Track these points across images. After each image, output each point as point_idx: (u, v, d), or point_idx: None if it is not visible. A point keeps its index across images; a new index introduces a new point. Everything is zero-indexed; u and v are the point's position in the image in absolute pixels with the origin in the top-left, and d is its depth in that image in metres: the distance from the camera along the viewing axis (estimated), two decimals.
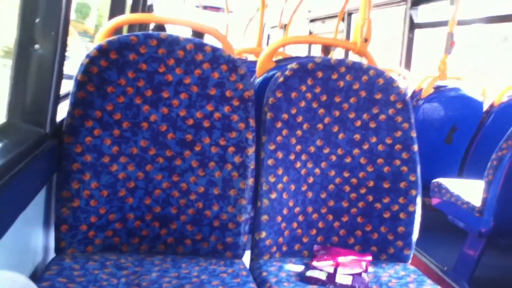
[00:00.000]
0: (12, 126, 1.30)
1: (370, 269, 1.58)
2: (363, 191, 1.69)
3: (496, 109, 3.25)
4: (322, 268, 1.50)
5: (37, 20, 1.29)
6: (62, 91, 1.45)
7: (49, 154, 1.36)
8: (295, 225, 1.64)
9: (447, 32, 3.40)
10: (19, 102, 1.32)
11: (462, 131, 3.27)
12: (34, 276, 1.28)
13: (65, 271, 1.31)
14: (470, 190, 2.61)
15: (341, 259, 1.54)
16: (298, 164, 1.64)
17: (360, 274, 1.49)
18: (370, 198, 1.69)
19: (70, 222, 1.43)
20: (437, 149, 3.25)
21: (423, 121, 3.21)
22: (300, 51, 7.36)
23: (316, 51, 7.06)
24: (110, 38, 1.48)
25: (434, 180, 2.88)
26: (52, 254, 1.45)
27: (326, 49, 4.60)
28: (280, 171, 1.59)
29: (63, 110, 1.47)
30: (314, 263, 1.53)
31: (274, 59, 1.88)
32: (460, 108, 3.27)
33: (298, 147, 1.64)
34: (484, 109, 3.32)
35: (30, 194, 1.21)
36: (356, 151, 1.69)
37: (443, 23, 3.72)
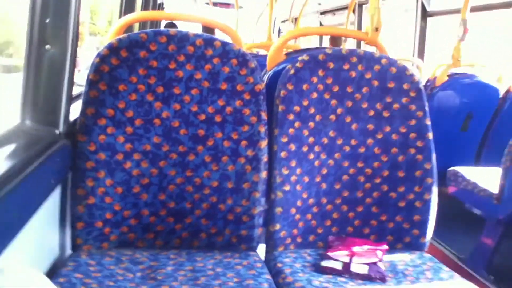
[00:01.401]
0: (26, 126, 1.32)
1: (386, 258, 1.57)
2: (377, 180, 1.68)
3: None
4: (337, 258, 1.50)
5: (47, 20, 1.29)
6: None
7: (63, 153, 1.37)
8: (309, 216, 1.64)
9: (461, 19, 3.35)
10: (32, 103, 1.33)
11: (478, 118, 3.22)
12: (51, 273, 1.30)
13: (81, 267, 1.32)
14: (487, 178, 2.58)
15: (356, 248, 1.54)
16: (311, 156, 1.63)
17: (375, 263, 1.48)
18: (385, 187, 1.68)
19: (86, 219, 1.45)
20: (452, 137, 3.21)
21: (438, 109, 3.17)
22: (312, 44, 7.32)
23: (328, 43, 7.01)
24: (120, 36, 1.49)
25: (450, 168, 2.85)
26: (68, 251, 1.47)
27: (335, 40, 4.54)
28: (293, 163, 1.59)
29: (76, 110, 1.48)
30: (329, 254, 1.52)
31: (285, 52, 1.88)
32: (476, 95, 3.23)
33: (311, 139, 1.64)
34: (500, 95, 3.27)
35: (45, 192, 1.23)
36: (370, 141, 1.68)
37: (456, 11, 3.67)
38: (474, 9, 3.43)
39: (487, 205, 2.41)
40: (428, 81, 3.46)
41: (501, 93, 3.27)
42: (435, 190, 1.67)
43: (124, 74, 1.47)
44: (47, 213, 1.31)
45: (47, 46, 1.31)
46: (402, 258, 1.59)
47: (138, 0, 3.41)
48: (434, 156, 1.68)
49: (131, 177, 1.49)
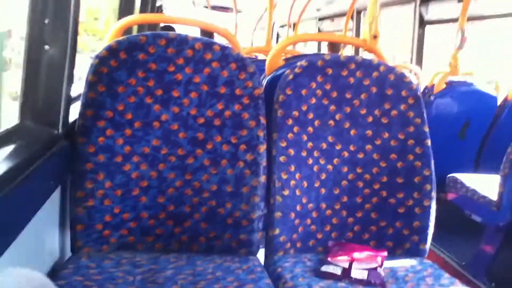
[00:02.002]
0: (25, 127, 1.30)
1: (386, 264, 1.56)
2: (376, 186, 1.67)
3: (510, 103, 3.20)
4: (337, 263, 1.49)
5: (46, 21, 1.28)
6: None
7: (62, 154, 1.36)
8: (308, 221, 1.63)
9: (459, 27, 3.36)
10: (31, 104, 1.32)
11: (475, 126, 3.22)
12: (51, 275, 1.29)
13: (81, 269, 1.32)
14: (486, 185, 2.57)
15: (356, 254, 1.53)
16: (310, 161, 1.63)
17: (375, 269, 1.48)
18: (384, 193, 1.67)
19: (85, 222, 1.44)
20: (451, 144, 3.20)
21: (436, 116, 3.16)
22: (309, 49, 7.33)
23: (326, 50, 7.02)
24: (119, 38, 1.48)
25: (449, 175, 2.85)
26: (68, 253, 1.46)
27: (334, 47, 4.55)
28: (292, 168, 1.58)
29: (74, 111, 1.47)
30: (329, 259, 1.51)
31: (283, 58, 1.88)
32: (473, 103, 3.23)
33: (310, 144, 1.63)
34: (498, 103, 3.27)
35: (44, 194, 1.22)
36: (368, 147, 1.68)
37: (453, 19, 3.68)
38: (471, 18, 3.44)
39: (487, 212, 2.41)
40: (426, 88, 3.46)
41: (499, 101, 3.27)
42: (434, 196, 1.66)
43: (123, 76, 1.46)
44: (47, 215, 1.30)
45: (46, 47, 1.30)
46: (402, 264, 1.58)
47: (137, 2, 3.40)
48: (432, 162, 1.68)
49: (130, 179, 1.48)
